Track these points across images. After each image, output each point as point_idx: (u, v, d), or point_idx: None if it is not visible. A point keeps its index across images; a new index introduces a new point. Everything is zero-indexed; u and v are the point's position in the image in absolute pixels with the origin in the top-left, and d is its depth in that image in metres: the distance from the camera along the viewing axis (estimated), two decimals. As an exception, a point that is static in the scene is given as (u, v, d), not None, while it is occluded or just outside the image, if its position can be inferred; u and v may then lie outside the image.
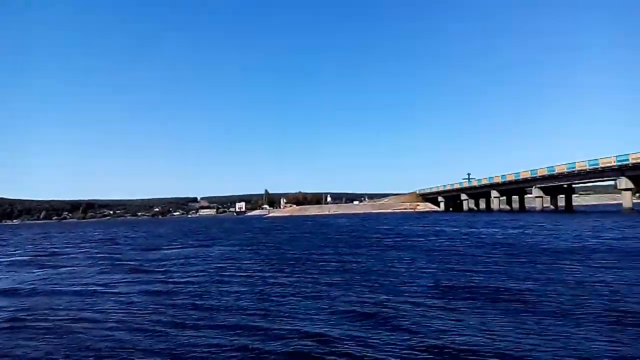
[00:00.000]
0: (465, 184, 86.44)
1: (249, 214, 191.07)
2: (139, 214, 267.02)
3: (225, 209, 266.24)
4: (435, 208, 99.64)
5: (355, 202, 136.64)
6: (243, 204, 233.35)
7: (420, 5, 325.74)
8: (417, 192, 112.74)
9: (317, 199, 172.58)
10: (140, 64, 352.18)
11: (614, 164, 47.39)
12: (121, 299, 9.22)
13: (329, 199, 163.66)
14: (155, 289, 10.28)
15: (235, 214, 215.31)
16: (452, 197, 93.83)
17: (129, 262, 16.47)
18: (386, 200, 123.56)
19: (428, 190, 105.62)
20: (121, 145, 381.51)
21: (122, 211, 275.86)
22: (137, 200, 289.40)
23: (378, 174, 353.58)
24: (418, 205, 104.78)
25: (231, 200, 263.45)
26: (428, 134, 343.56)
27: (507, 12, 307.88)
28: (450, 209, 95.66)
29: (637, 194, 49.67)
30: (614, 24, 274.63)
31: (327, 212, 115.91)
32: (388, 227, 35.72)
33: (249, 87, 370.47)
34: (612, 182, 54.14)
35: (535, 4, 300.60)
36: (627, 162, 45.74)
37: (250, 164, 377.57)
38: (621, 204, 49.32)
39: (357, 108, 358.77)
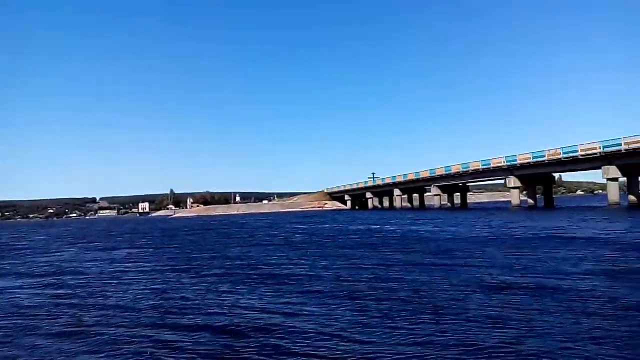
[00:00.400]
0: (370, 183, 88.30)
1: (153, 214, 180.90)
2: (31, 216, 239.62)
3: (128, 210, 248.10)
4: (342, 206, 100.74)
5: (265, 202, 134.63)
6: (147, 204, 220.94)
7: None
8: (325, 190, 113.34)
9: (225, 198, 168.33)
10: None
11: (504, 164, 50.45)
12: (9, 303, 8.74)
13: (237, 198, 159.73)
14: (48, 292, 9.81)
15: (138, 214, 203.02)
16: (358, 196, 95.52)
17: (17, 267, 15.31)
18: (295, 199, 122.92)
19: (336, 189, 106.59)
20: (4, 137, 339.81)
21: (11, 213, 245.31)
22: (27, 200, 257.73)
23: (287, 173, 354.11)
24: (326, 203, 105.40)
25: (134, 201, 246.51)
26: (335, 133, 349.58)
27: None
28: (357, 207, 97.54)
29: (525, 192, 53.01)
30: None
31: (235, 212, 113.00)
32: (295, 226, 35.80)
33: (155, 79, 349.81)
34: (502, 181, 57.26)
35: None
36: (515, 163, 49.00)
37: (155, 162, 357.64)
38: (510, 201, 52.18)
39: (264, 105, 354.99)
